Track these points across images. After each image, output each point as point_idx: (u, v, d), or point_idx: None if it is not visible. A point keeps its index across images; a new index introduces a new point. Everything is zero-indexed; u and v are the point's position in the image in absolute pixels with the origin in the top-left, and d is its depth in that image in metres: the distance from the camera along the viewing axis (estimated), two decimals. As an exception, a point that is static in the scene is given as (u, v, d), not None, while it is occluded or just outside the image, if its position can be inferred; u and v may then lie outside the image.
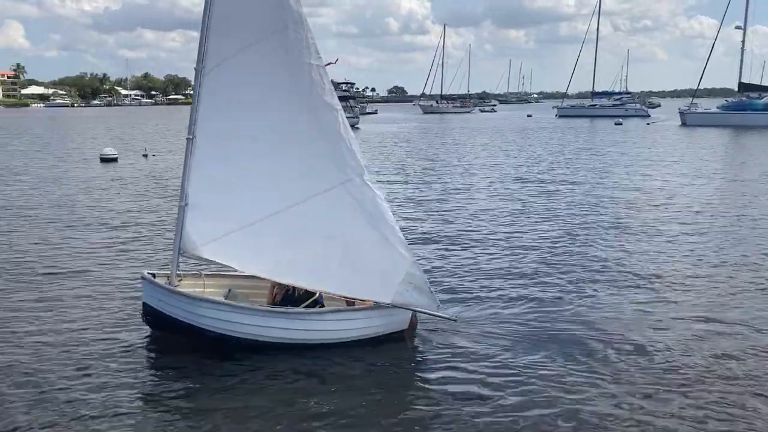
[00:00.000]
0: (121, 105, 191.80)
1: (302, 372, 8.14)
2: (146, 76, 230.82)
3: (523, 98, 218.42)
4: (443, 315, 9.11)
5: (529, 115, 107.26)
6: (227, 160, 8.64)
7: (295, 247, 8.69)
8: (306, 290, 8.92)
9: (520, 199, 21.68)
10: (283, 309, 8.82)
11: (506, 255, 14.03)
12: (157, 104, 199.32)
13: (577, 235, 16.01)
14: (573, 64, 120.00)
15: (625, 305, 10.67)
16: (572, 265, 13.08)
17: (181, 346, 8.83)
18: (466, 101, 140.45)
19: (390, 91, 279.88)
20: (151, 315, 8.96)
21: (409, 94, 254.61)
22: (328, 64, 7.96)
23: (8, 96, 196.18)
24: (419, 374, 8.41)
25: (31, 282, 11.96)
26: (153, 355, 8.86)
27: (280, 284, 9.00)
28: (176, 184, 23.89)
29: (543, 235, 16.02)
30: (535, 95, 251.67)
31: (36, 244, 15.13)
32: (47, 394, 7.55)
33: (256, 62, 8.41)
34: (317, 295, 8.95)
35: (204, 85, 8.56)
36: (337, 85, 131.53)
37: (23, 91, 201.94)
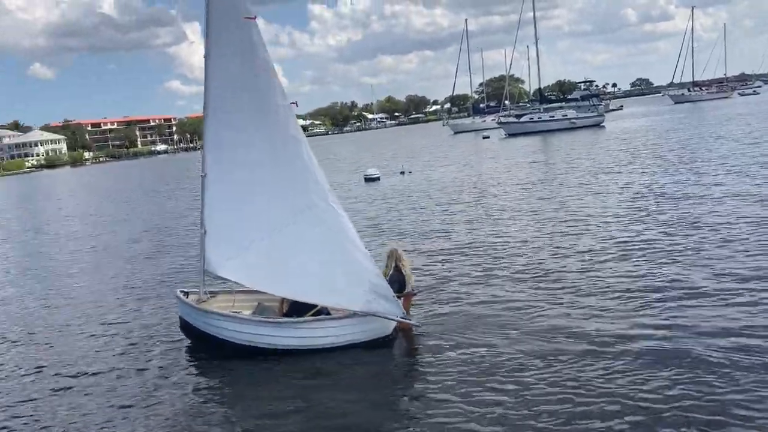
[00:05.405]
0: (368, 129, 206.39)
1: (298, 375, 8.98)
2: (389, 99, 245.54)
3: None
4: (407, 321, 9.74)
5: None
6: (230, 193, 10.19)
7: (278, 264, 9.95)
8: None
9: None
10: (274, 319, 9.96)
11: None
12: (400, 124, 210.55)
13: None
14: None
15: None
16: None
17: (206, 352, 10.25)
18: (723, 85, 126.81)
19: (633, 85, 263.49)
20: (183, 326, 10.79)
21: (655, 85, 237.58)
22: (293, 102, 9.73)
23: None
24: (408, 378, 8.74)
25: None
26: (177, 359, 10.24)
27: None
28: (433, 198, 26.03)
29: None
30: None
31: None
32: (87, 389, 9.33)
33: (240, 106, 9.94)
34: (319, 306, 9.84)
35: (207, 128, 10.15)
36: (575, 86, 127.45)
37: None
